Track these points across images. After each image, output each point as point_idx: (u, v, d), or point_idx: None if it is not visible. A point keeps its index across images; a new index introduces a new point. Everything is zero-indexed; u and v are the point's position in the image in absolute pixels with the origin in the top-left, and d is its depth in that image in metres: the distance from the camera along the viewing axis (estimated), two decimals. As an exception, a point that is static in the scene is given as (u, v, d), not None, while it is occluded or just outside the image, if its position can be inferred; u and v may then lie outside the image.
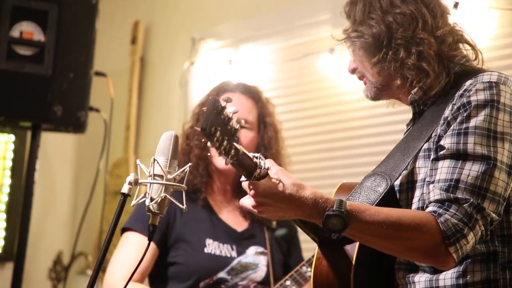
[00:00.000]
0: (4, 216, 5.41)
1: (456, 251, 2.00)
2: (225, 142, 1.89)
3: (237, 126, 1.94)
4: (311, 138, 4.57)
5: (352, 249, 2.16)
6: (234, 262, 3.02)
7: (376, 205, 2.12)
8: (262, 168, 2.03)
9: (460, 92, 2.12)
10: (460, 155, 2.05)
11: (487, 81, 2.11)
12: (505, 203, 2.06)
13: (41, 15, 3.82)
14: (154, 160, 1.97)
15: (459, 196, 2.02)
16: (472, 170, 2.03)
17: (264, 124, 3.16)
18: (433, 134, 2.15)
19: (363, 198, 2.16)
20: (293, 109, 4.62)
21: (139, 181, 1.98)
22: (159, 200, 1.96)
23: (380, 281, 2.21)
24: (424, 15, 2.23)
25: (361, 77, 2.36)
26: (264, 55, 4.79)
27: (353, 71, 2.36)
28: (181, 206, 1.96)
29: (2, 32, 3.79)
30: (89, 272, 5.28)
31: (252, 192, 2.04)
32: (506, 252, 2.10)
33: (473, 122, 2.06)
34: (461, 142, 2.06)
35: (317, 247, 2.23)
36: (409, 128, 2.31)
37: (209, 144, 1.88)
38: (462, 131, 2.07)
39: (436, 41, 2.21)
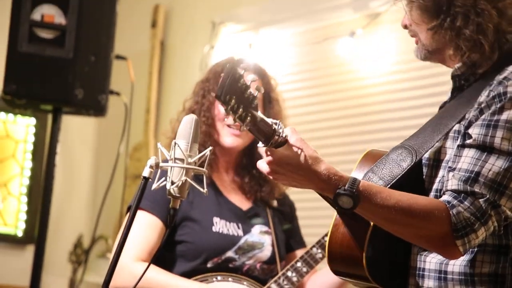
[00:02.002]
0: (25, 199, 5.45)
1: (463, 245, 1.98)
2: (240, 110, 1.90)
3: (256, 93, 1.95)
4: (332, 122, 4.56)
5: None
6: (241, 241, 3.02)
7: (397, 180, 2.10)
8: (281, 136, 2.02)
9: (501, 77, 2.06)
10: (486, 148, 2.01)
11: None
12: None
13: (62, -1, 3.84)
14: (175, 143, 1.97)
15: (476, 190, 1.99)
16: (495, 165, 2.00)
17: (270, 99, 3.17)
18: (466, 116, 2.10)
19: (386, 171, 2.13)
20: (314, 93, 4.62)
21: (160, 164, 1.98)
22: (180, 184, 1.96)
23: (395, 253, 2.19)
24: None
25: (413, 35, 2.26)
26: (285, 39, 4.78)
27: (405, 27, 2.26)
28: (201, 189, 1.97)
29: (23, 15, 3.80)
30: (109, 256, 5.31)
31: (269, 158, 2.03)
32: None
33: (505, 115, 2.01)
34: (489, 134, 2.01)
35: (335, 213, 2.22)
36: (446, 103, 2.25)
37: (223, 111, 1.91)
38: (493, 123, 2.02)
39: (497, 13, 2.12)
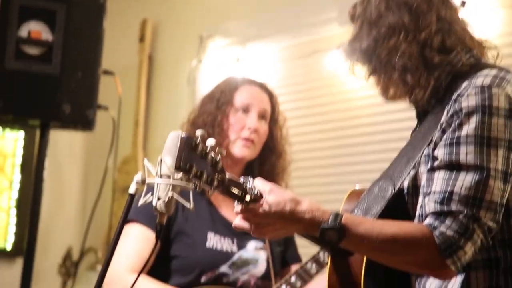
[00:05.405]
0: (14, 212, 5.45)
1: (453, 263, 1.98)
2: (204, 175, 1.92)
3: (218, 157, 1.96)
4: (320, 135, 4.58)
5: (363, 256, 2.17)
6: (236, 257, 3.03)
7: (382, 211, 2.13)
8: (253, 192, 2.04)
9: (455, 96, 2.10)
10: (453, 166, 2.03)
11: (479, 85, 2.06)
12: (503, 209, 2.03)
13: (49, 15, 3.82)
14: (161, 160, 1.98)
15: (453, 208, 2.00)
16: (465, 180, 2.01)
17: (275, 120, 3.20)
18: (432, 138, 2.13)
19: (371, 204, 2.15)
20: (301, 106, 4.63)
21: (146, 180, 1.99)
22: (166, 200, 1.97)
23: (393, 285, 2.20)
24: (405, 23, 2.18)
25: None
26: (272, 53, 4.80)
27: None
28: (187, 205, 1.98)
29: (10, 32, 3.79)
30: (99, 268, 5.30)
31: (252, 214, 2.05)
32: (508, 256, 2.08)
33: (464, 131, 2.03)
34: (454, 152, 2.03)
35: (329, 257, 2.25)
36: (415, 129, 2.28)
37: (184, 183, 1.91)
38: (455, 140, 2.04)
39: (419, 48, 2.17)
